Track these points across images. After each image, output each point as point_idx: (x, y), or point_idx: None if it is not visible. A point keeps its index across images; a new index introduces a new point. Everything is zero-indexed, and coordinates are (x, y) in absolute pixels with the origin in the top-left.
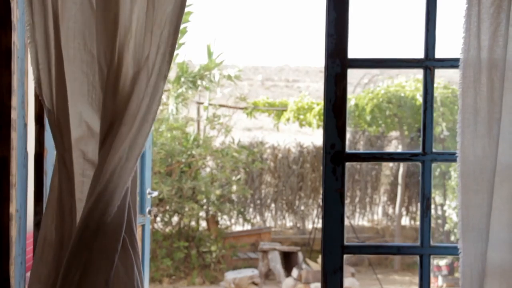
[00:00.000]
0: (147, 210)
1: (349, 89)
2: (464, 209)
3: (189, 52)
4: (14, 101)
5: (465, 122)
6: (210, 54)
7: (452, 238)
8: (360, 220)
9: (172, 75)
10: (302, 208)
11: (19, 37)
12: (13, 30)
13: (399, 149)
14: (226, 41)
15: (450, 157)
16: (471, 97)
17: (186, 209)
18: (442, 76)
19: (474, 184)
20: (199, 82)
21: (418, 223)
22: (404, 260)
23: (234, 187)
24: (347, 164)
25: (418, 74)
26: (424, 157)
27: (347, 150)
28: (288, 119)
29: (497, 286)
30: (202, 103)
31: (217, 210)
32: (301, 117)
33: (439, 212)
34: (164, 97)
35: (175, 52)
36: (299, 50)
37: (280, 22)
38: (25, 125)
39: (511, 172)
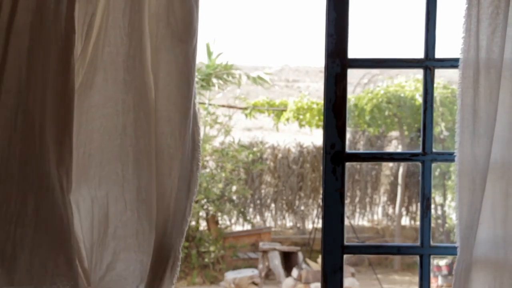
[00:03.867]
0: None
1: (349, 89)
2: (462, 208)
3: None
4: None
5: (464, 122)
6: (209, 54)
7: (452, 238)
8: (360, 220)
9: None
10: (302, 208)
11: None
12: None
13: (399, 149)
14: (226, 41)
15: (450, 157)
16: (470, 97)
17: None
18: (442, 76)
19: (472, 183)
20: (214, 80)
21: (418, 223)
22: (404, 260)
23: (234, 187)
24: (347, 164)
25: (418, 74)
26: (424, 157)
27: (347, 150)
28: (288, 119)
29: (492, 281)
30: (203, 103)
31: (217, 210)
32: (301, 117)
33: (439, 212)
34: None
35: None
36: (299, 50)
37: (280, 22)
38: None
39: (505, 170)
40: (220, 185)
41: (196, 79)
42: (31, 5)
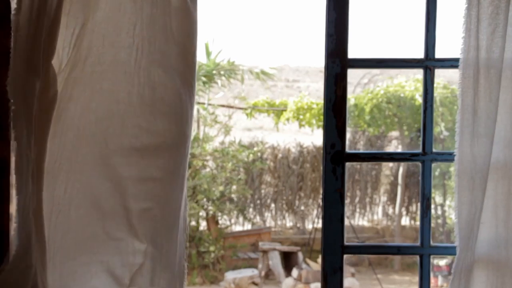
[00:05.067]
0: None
1: (349, 89)
2: (461, 207)
3: None
4: None
5: (464, 122)
6: (208, 54)
7: (452, 238)
8: (360, 220)
9: None
10: (302, 208)
11: None
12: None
13: (399, 149)
14: (225, 40)
15: (450, 157)
16: (470, 97)
17: None
18: (441, 76)
19: (471, 183)
20: (216, 77)
21: (418, 223)
22: (404, 260)
23: (234, 187)
24: (347, 164)
25: (418, 74)
26: (424, 157)
27: (347, 150)
28: (288, 119)
29: (494, 281)
30: (203, 104)
31: (217, 210)
32: (301, 117)
33: (439, 212)
34: None
35: None
36: (299, 50)
37: (280, 22)
38: None
39: (508, 169)
40: (221, 188)
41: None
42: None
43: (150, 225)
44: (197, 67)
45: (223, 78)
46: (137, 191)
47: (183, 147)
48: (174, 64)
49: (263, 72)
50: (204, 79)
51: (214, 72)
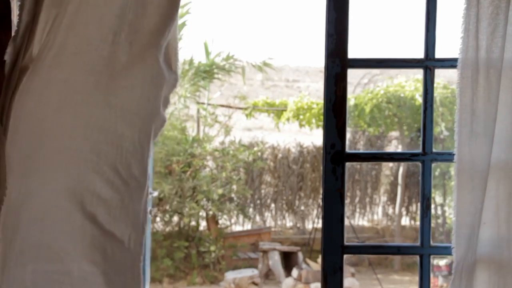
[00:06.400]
0: (148, 210)
1: (349, 89)
2: (459, 206)
3: (187, 50)
4: None
5: (462, 121)
6: (208, 53)
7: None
8: (360, 220)
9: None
10: (302, 208)
11: None
12: (13, 30)
13: (399, 149)
14: (225, 40)
15: (450, 157)
16: (468, 97)
17: (186, 209)
18: (441, 76)
19: (470, 182)
20: (216, 72)
21: (418, 223)
22: (404, 260)
23: (234, 187)
24: (347, 164)
25: (418, 74)
26: (424, 157)
27: (347, 150)
28: (288, 119)
29: (495, 281)
30: (203, 104)
31: (217, 210)
32: (301, 117)
33: (439, 212)
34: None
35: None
36: (299, 50)
37: (280, 22)
38: None
39: (509, 169)
40: (220, 191)
41: (196, 73)
42: None
43: (97, 231)
44: (181, 62)
45: (224, 71)
46: (88, 196)
47: (139, 144)
48: (139, 52)
49: (265, 64)
50: (204, 75)
51: (213, 67)
